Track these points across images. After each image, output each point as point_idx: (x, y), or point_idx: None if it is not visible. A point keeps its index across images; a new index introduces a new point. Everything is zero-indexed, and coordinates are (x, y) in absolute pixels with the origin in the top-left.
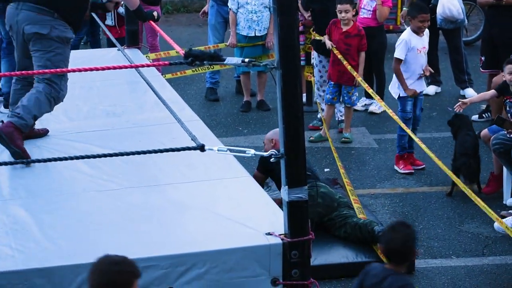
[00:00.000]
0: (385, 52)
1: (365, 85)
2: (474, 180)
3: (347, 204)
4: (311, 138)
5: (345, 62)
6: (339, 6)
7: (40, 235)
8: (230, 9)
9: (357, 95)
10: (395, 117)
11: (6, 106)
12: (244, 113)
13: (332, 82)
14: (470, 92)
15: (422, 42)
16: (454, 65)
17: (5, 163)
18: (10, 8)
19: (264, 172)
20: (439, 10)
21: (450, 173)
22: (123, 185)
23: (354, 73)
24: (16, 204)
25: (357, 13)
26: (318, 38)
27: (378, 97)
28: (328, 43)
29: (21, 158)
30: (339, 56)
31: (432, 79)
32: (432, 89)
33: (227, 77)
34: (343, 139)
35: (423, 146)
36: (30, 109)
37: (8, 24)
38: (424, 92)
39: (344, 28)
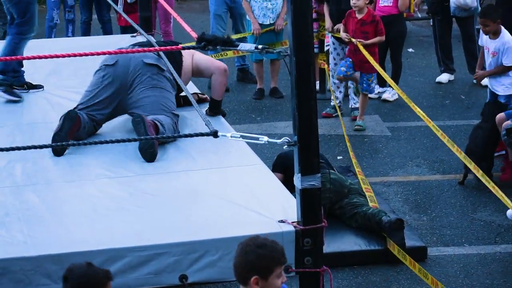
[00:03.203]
0: (404, 40)
1: (385, 75)
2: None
3: (358, 191)
4: (356, 127)
5: (366, 54)
6: None
7: (52, 221)
8: None
9: (376, 82)
10: (412, 104)
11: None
12: (257, 101)
13: (350, 59)
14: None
15: (489, 42)
16: (468, 53)
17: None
18: None
19: (282, 171)
20: None
21: (468, 161)
22: (136, 172)
23: (376, 66)
24: (29, 190)
25: (371, 2)
26: (337, 35)
27: (395, 85)
28: (343, 35)
29: (151, 148)
30: (360, 47)
31: (445, 67)
32: (445, 77)
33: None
34: (356, 126)
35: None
36: (164, 129)
37: None
38: (437, 80)
39: (359, 16)
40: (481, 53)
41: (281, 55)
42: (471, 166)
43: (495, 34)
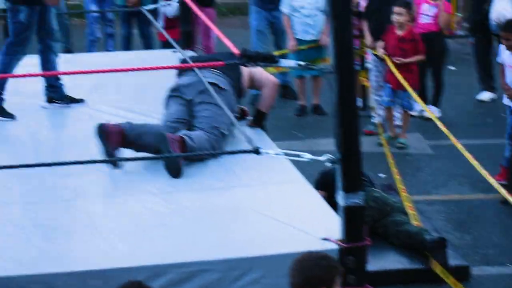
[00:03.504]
0: (445, 58)
1: (414, 94)
2: None
3: (400, 209)
4: (381, 141)
5: (397, 74)
6: (394, 8)
7: (96, 237)
8: (283, 13)
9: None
10: (439, 123)
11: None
12: (299, 117)
13: (390, 85)
14: None
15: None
16: None
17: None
18: None
19: (325, 188)
20: (492, 15)
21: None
22: (179, 188)
23: (406, 85)
24: (73, 205)
25: (413, 20)
26: (376, 53)
27: (421, 101)
28: (381, 52)
29: (176, 168)
30: (392, 68)
31: (487, 85)
32: (487, 95)
33: None
34: (398, 144)
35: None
36: (199, 146)
37: None
38: (478, 98)
39: (399, 33)
40: (500, 71)
41: (323, 72)
42: (496, 185)
43: None
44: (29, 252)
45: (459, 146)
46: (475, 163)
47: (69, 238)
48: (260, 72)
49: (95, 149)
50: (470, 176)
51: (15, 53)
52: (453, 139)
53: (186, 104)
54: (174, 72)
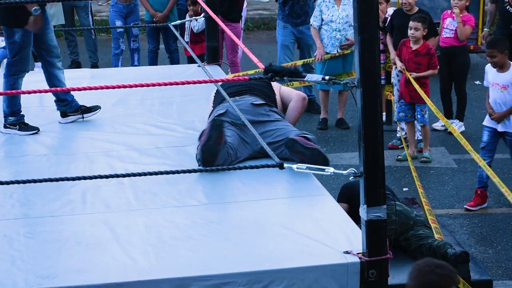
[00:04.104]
0: (468, 72)
1: (433, 107)
2: None
3: (423, 222)
4: (399, 157)
5: (417, 87)
6: (411, 23)
7: (118, 249)
8: (311, 25)
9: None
10: (457, 134)
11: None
12: (322, 131)
13: (404, 101)
14: None
15: (497, 77)
16: None
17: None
18: None
19: (347, 201)
20: None
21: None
22: (201, 201)
23: (426, 98)
24: (95, 218)
25: (431, 34)
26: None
27: (441, 115)
28: (399, 64)
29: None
30: (411, 80)
31: None
32: None
33: None
34: (422, 158)
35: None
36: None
37: None
38: None
39: (414, 47)
40: (487, 95)
41: (348, 86)
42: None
43: (502, 68)
44: (51, 265)
45: (481, 163)
46: (496, 180)
47: (91, 251)
48: (288, 90)
49: (115, 163)
50: (493, 190)
51: (17, 72)
52: (474, 156)
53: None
54: (200, 86)
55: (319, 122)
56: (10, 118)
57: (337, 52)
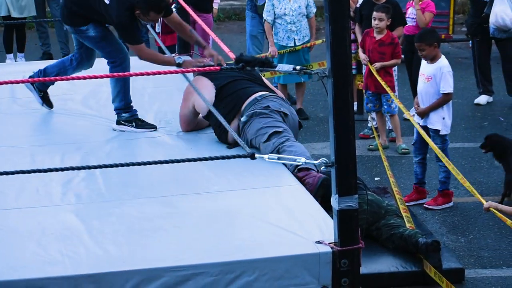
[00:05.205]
0: None
1: (396, 100)
2: None
3: (395, 212)
4: (370, 147)
5: (378, 78)
6: (374, 13)
7: (90, 241)
8: (265, 20)
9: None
10: (417, 126)
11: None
12: None
13: (370, 91)
14: None
15: (425, 68)
16: (507, 74)
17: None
18: None
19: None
20: (491, 19)
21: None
22: (173, 192)
23: (387, 88)
24: (66, 209)
25: (399, 23)
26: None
27: (403, 105)
28: (362, 56)
29: None
30: (373, 71)
31: (484, 89)
32: (483, 99)
33: None
34: (402, 150)
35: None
36: None
37: None
38: (475, 102)
39: (378, 37)
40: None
41: (319, 76)
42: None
43: (433, 60)
44: (22, 256)
45: (437, 151)
46: (451, 167)
47: (62, 242)
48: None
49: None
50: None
51: (118, 63)
52: (433, 146)
53: None
54: (171, 77)
55: None
56: (123, 114)
57: (294, 43)
